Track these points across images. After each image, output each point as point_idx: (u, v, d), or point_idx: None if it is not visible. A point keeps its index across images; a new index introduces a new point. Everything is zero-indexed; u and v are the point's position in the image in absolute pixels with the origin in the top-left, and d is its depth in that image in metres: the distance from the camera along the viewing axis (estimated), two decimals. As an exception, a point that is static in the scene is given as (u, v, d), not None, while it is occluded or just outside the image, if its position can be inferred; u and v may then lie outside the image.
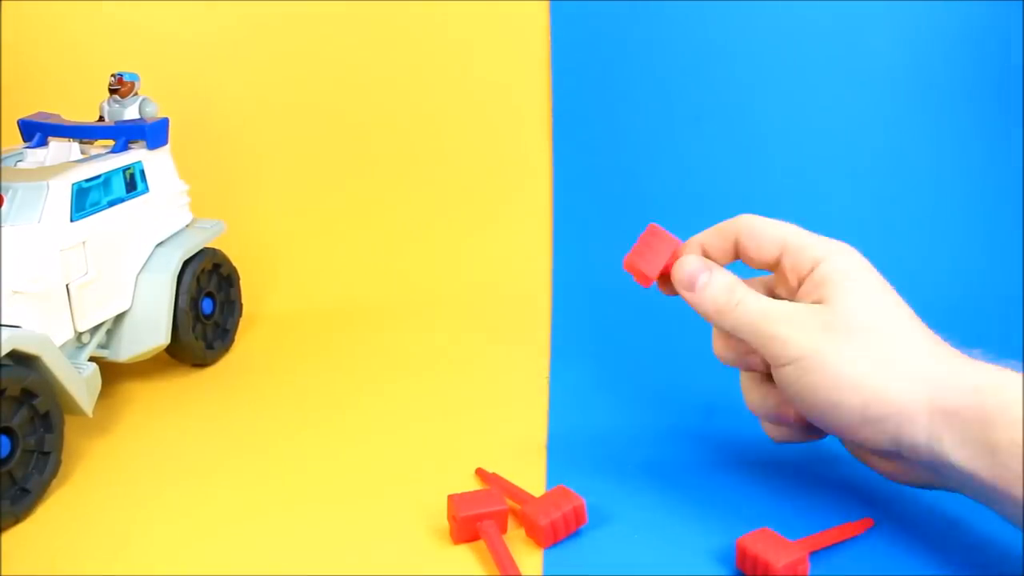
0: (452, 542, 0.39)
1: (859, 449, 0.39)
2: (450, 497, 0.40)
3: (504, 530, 0.39)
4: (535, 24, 0.76)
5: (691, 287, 0.39)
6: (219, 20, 0.78)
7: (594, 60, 0.77)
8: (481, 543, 0.39)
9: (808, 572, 0.36)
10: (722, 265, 0.40)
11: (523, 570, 0.37)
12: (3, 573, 0.38)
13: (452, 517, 0.39)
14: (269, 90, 0.79)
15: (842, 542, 0.38)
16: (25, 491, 0.42)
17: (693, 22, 0.75)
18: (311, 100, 0.79)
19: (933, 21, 0.73)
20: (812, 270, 0.37)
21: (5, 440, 0.41)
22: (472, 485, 0.44)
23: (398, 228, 0.76)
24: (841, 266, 0.37)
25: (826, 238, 0.38)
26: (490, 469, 0.44)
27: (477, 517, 0.39)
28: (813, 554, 0.37)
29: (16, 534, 0.41)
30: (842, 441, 0.40)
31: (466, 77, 0.78)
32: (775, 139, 0.75)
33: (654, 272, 0.40)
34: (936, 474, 0.35)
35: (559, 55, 0.76)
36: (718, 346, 0.41)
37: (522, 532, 0.40)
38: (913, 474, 0.37)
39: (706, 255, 0.40)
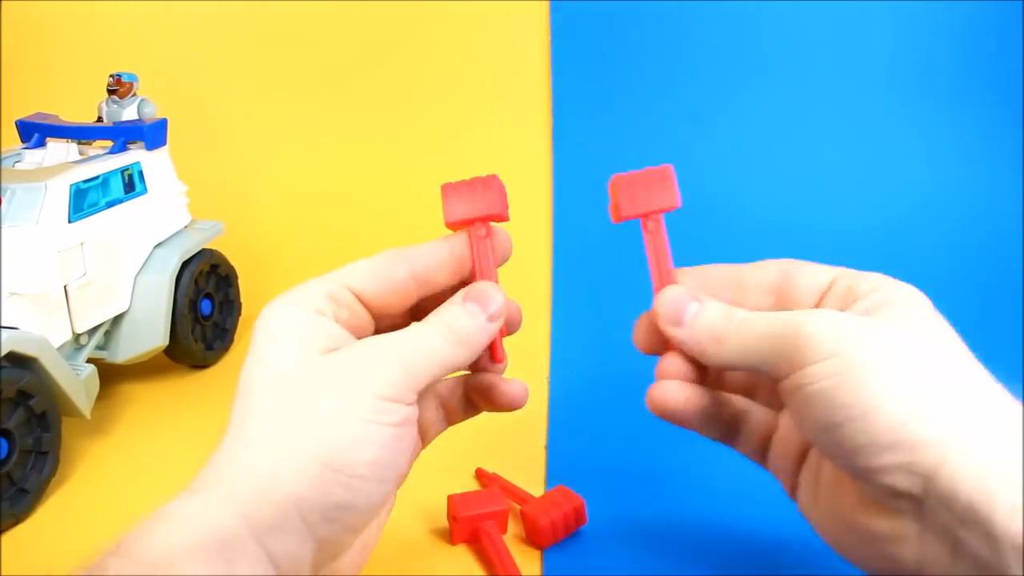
0: (452, 542, 0.39)
1: (854, 506, 0.30)
2: (450, 497, 0.40)
3: (504, 530, 0.39)
4: (535, 24, 0.76)
5: (678, 320, 0.32)
6: (218, 21, 0.78)
7: (594, 60, 0.77)
8: (481, 543, 0.39)
9: None
10: (755, 303, 0.33)
11: (523, 570, 0.37)
12: (3, 573, 0.38)
13: (452, 517, 0.39)
14: (268, 90, 0.79)
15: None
16: (24, 491, 0.42)
17: (693, 22, 0.75)
18: (310, 100, 0.79)
19: (933, 21, 0.72)
20: (872, 291, 0.31)
21: (3, 442, 0.41)
22: (472, 485, 0.44)
23: (398, 227, 0.76)
24: (908, 293, 0.31)
25: (884, 275, 0.33)
26: (490, 469, 0.44)
27: (477, 517, 0.39)
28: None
29: (16, 534, 0.41)
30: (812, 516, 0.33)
31: (466, 77, 0.78)
32: (775, 138, 0.75)
33: (456, 215, 0.33)
34: (951, 553, 0.26)
35: (559, 55, 0.76)
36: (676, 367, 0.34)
37: (522, 532, 0.40)
38: (912, 549, 0.28)
39: (730, 291, 0.34)
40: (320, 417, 0.28)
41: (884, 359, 0.27)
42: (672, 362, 0.34)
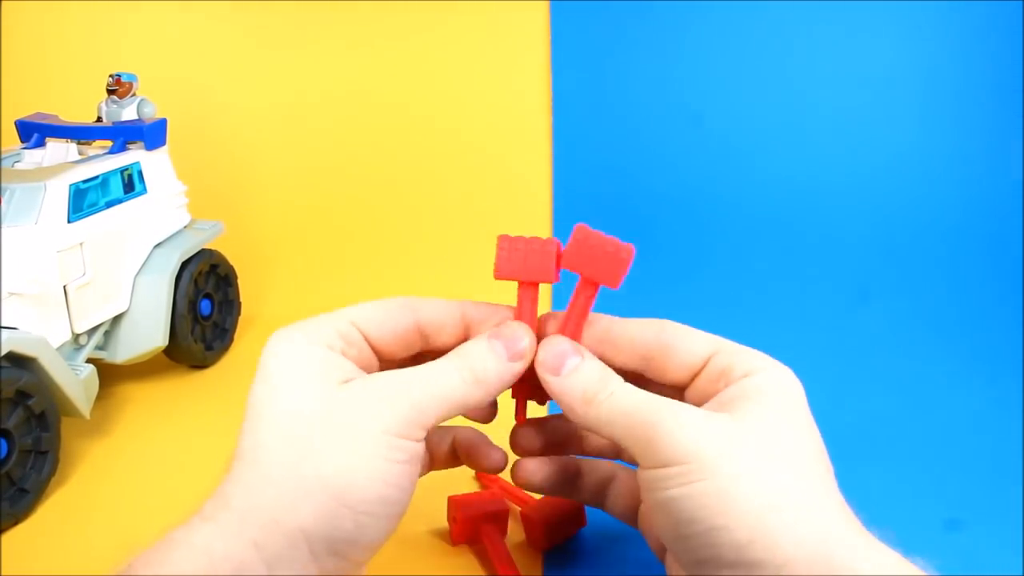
0: (452, 543, 0.39)
1: None
2: (450, 499, 0.40)
3: (504, 532, 0.39)
4: (535, 24, 0.76)
5: (556, 371, 0.32)
6: (218, 21, 0.78)
7: (594, 60, 0.77)
8: (481, 545, 0.39)
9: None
10: (622, 362, 0.33)
11: (523, 572, 0.37)
12: (3, 573, 0.38)
13: (452, 518, 0.39)
14: (268, 91, 0.79)
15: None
16: (23, 491, 0.42)
17: (692, 23, 0.75)
18: (310, 100, 0.79)
19: (933, 22, 0.73)
20: (745, 376, 0.31)
21: (2, 442, 0.41)
22: (472, 486, 0.44)
23: (397, 228, 0.76)
24: (781, 381, 0.31)
25: (762, 354, 0.32)
26: (490, 470, 0.44)
27: (477, 519, 0.38)
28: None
29: (16, 534, 0.41)
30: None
31: (466, 77, 0.78)
32: (774, 139, 0.75)
33: (505, 272, 0.32)
34: None
35: (559, 55, 0.76)
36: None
37: (522, 534, 0.40)
38: None
39: (602, 353, 0.33)
40: (333, 451, 0.28)
41: (737, 472, 0.27)
42: (524, 435, 0.35)
